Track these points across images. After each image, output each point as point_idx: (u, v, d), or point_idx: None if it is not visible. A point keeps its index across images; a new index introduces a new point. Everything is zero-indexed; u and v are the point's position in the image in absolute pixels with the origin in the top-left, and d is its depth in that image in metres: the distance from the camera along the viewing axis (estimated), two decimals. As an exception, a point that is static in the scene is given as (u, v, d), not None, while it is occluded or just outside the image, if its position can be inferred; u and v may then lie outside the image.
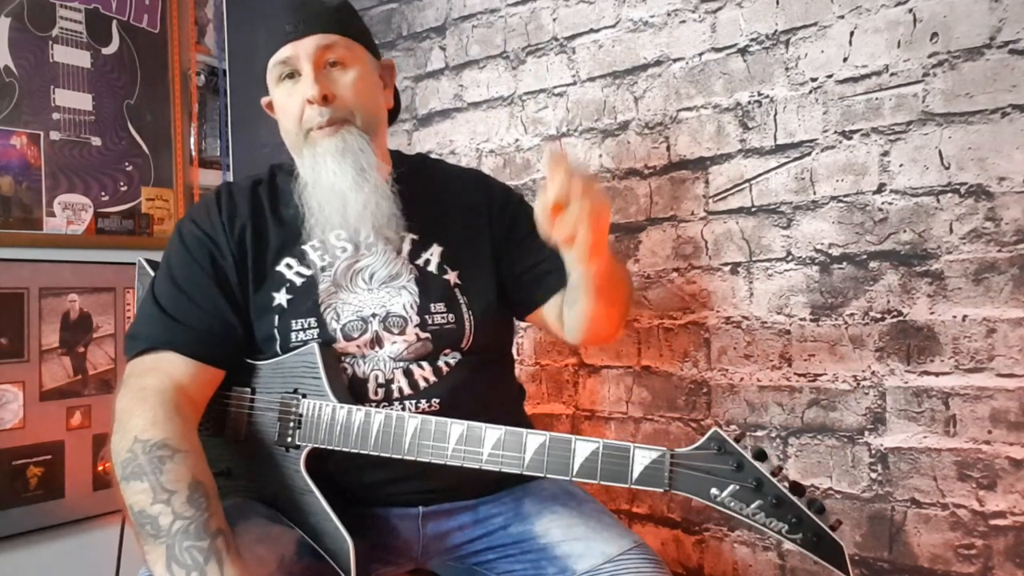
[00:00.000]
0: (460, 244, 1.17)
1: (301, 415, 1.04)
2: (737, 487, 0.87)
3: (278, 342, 1.08)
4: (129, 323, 2.03)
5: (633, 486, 0.91)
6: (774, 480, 0.87)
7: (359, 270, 1.12)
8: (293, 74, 1.11)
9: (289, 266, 1.12)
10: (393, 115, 1.26)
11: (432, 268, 1.15)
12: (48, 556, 1.89)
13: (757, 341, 1.49)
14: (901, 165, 1.34)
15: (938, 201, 1.30)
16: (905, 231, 1.34)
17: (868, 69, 1.36)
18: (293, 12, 1.11)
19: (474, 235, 1.19)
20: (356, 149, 1.09)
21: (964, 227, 1.28)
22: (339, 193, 1.09)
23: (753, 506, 0.87)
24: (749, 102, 1.49)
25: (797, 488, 0.87)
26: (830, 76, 1.40)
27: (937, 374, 1.31)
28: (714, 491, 0.88)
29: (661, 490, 0.90)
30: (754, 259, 1.49)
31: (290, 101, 1.11)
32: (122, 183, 2.09)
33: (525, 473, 0.95)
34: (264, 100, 1.21)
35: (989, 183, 1.26)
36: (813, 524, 0.86)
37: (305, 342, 1.07)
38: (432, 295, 1.12)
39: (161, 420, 0.95)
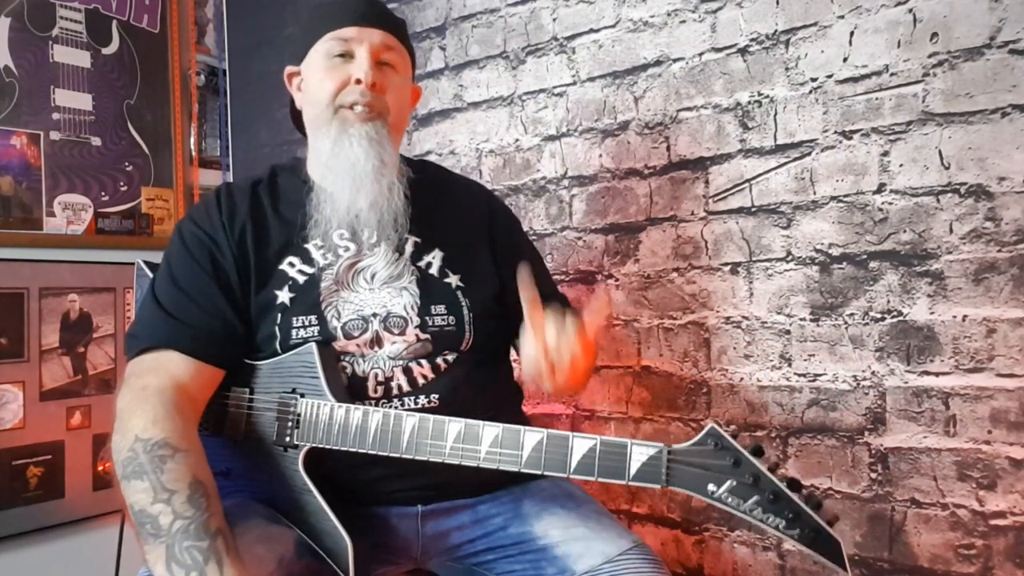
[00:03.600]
0: (461, 249, 1.19)
1: (299, 415, 1.04)
2: (734, 483, 0.87)
3: (278, 339, 1.08)
4: (129, 323, 2.04)
5: (630, 483, 0.91)
6: (771, 476, 0.87)
7: (360, 269, 1.13)
8: (344, 54, 1.14)
9: (292, 264, 1.12)
10: None
11: (433, 271, 1.15)
12: (48, 556, 1.89)
13: (757, 341, 1.49)
14: (901, 165, 1.34)
15: (938, 201, 1.30)
16: (905, 231, 1.34)
17: (868, 69, 1.36)
18: (368, 3, 1.16)
19: (475, 242, 1.21)
20: (384, 143, 1.13)
21: (964, 227, 1.28)
22: (358, 174, 1.11)
23: (750, 502, 0.87)
24: (749, 102, 1.49)
25: (794, 484, 0.87)
26: (830, 76, 1.40)
27: (937, 374, 1.31)
28: (711, 487, 0.88)
29: (658, 486, 0.90)
30: (754, 259, 1.49)
31: (333, 74, 1.13)
32: (122, 183, 2.09)
33: (523, 471, 0.95)
34: (290, 69, 1.22)
35: (989, 183, 1.26)
36: (810, 519, 0.86)
37: (305, 339, 1.07)
38: (433, 297, 1.12)
39: (162, 419, 0.95)
